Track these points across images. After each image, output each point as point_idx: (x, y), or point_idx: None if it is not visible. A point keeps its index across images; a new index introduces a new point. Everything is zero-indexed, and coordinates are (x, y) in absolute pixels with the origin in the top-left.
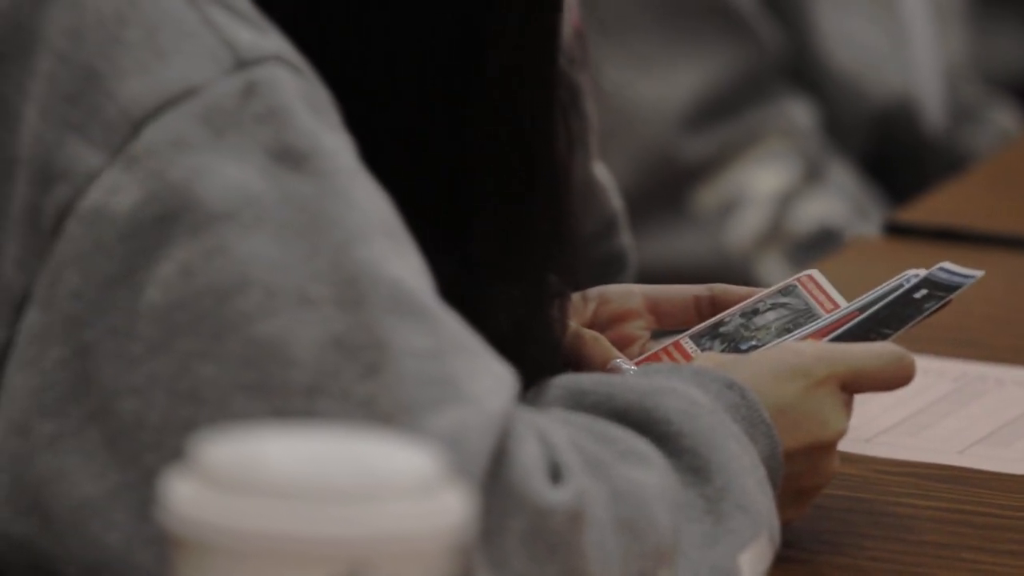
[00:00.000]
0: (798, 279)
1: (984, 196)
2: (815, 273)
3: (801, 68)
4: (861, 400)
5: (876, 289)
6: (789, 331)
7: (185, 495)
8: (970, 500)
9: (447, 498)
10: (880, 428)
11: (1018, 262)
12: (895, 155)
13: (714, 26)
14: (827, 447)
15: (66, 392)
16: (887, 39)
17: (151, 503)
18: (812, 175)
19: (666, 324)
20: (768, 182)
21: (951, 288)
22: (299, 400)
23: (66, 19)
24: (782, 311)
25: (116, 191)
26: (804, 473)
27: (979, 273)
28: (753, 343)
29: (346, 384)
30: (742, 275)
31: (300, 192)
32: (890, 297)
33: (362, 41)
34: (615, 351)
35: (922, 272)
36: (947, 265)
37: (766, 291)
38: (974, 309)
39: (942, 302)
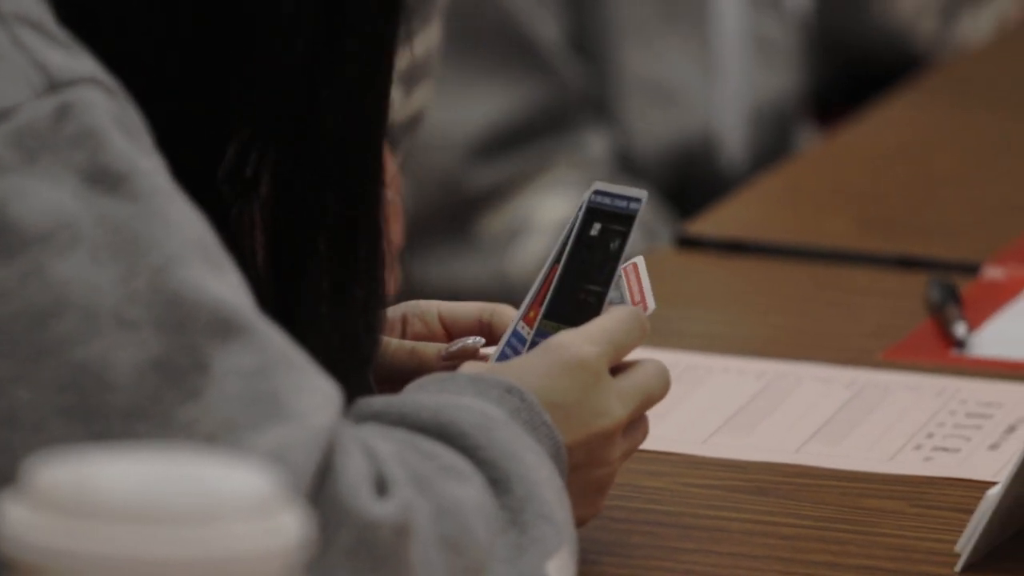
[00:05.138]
0: (624, 268)
1: (772, 207)
2: (639, 261)
3: (603, 102)
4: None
5: (561, 235)
6: None
7: (20, 518)
8: (778, 512)
9: (284, 517)
10: (710, 430)
11: (806, 272)
12: (694, 187)
13: (511, 60)
14: (606, 436)
15: None
16: (696, 75)
17: None
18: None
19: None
20: (554, 210)
21: (626, 218)
22: (118, 424)
23: None
24: None
25: None
26: (586, 464)
27: (643, 193)
28: None
29: (167, 407)
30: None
31: (116, 214)
32: (571, 242)
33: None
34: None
35: (582, 204)
36: (601, 187)
37: None
38: (767, 320)
39: (626, 239)
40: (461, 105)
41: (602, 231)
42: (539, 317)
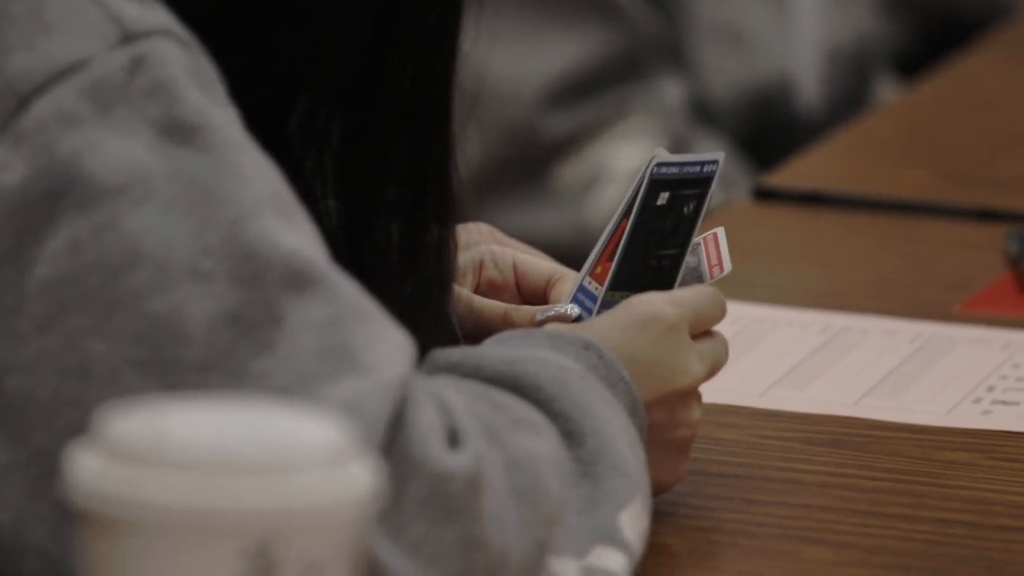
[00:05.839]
0: (704, 237)
1: (850, 159)
2: (719, 232)
3: (677, 48)
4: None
5: (624, 199)
6: None
7: (92, 468)
8: (852, 464)
9: (356, 468)
10: (769, 382)
11: (883, 224)
12: (770, 133)
13: (584, 7)
14: (684, 395)
15: None
16: (769, 17)
17: (41, 480)
18: (677, 151)
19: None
20: (630, 158)
21: (701, 181)
22: (191, 376)
23: None
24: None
25: (4, 168)
26: (664, 424)
27: (720, 155)
28: None
29: (240, 360)
30: None
31: (190, 167)
32: (634, 215)
33: (266, 36)
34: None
35: (644, 171)
36: (663, 159)
37: None
38: (843, 273)
39: (703, 200)
40: (535, 54)
41: (671, 199)
42: (605, 288)
